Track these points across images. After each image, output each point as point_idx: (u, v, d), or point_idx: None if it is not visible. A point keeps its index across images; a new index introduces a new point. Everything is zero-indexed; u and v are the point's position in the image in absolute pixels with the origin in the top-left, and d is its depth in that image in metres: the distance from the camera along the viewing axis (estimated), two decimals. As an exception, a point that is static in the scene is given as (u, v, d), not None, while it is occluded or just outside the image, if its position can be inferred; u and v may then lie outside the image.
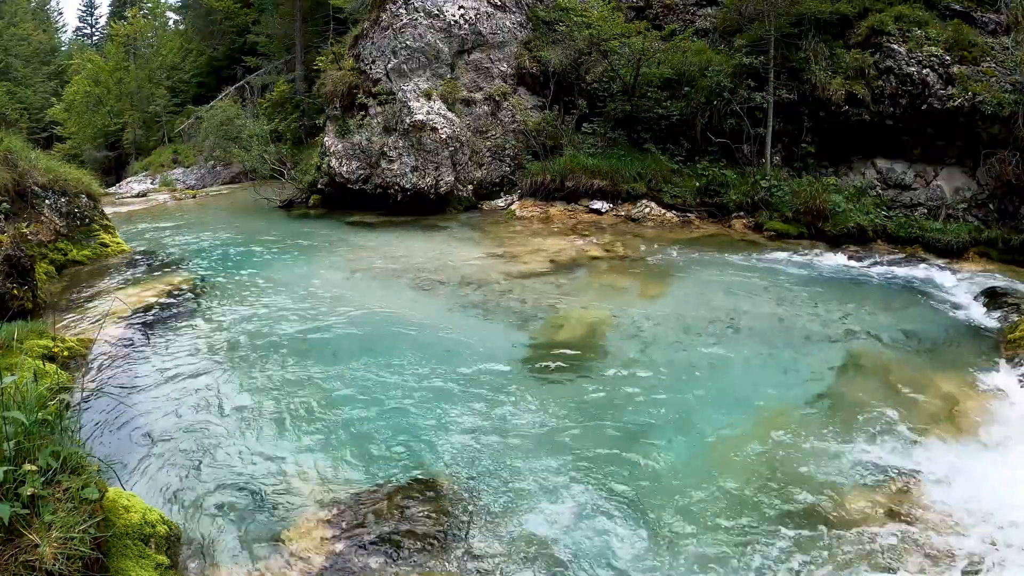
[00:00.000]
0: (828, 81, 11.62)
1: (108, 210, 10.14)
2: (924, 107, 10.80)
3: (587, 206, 12.26)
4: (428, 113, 12.87)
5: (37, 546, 2.45)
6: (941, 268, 9.16)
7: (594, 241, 10.35)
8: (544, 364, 5.81)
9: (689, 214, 11.89)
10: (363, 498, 3.86)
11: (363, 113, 13.81)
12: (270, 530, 3.60)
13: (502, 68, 14.16)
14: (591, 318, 6.88)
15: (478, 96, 13.86)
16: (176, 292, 7.25)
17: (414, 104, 12.90)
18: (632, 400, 5.15)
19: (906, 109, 10.99)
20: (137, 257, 8.86)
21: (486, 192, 13.46)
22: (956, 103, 10.51)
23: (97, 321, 6.10)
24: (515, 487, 4.04)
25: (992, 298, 7.57)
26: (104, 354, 5.54)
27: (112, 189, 21.73)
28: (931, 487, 4.13)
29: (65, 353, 5.28)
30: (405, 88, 13.31)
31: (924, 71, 10.86)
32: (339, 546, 3.48)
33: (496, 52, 14.14)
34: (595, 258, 9.44)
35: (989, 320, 7.10)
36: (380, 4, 14.25)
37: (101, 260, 8.43)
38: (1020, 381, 5.50)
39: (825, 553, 3.59)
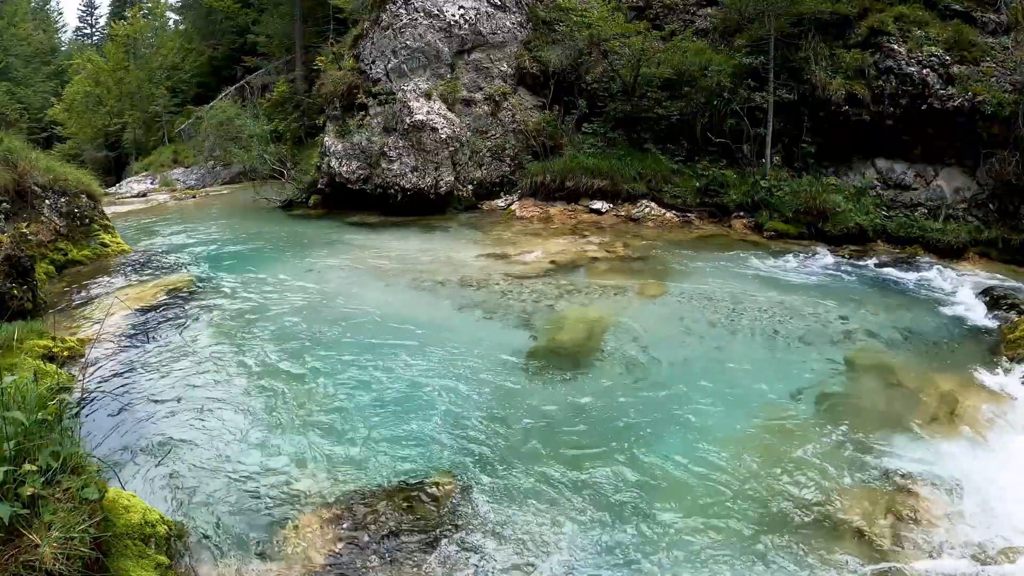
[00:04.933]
0: (828, 81, 11.62)
1: (108, 210, 10.14)
2: (924, 107, 10.80)
3: (587, 206, 12.26)
4: (428, 113, 12.87)
5: (37, 546, 2.45)
6: (941, 268, 9.15)
7: (594, 241, 10.34)
8: (544, 364, 5.81)
9: (689, 214, 11.89)
10: (363, 497, 3.86)
11: (363, 113, 13.81)
12: (270, 529, 3.60)
13: (502, 68, 14.15)
14: (591, 318, 6.88)
15: (478, 96, 13.86)
16: (176, 292, 7.25)
17: (414, 104, 12.90)
18: (632, 400, 5.15)
19: (906, 109, 10.99)
20: (137, 257, 8.86)
21: (486, 192, 13.46)
22: (956, 103, 10.52)
23: (97, 321, 6.10)
24: (515, 487, 4.04)
25: (992, 298, 7.57)
26: (104, 354, 5.54)
27: (112, 189, 21.72)
28: (931, 487, 4.13)
29: (65, 353, 5.28)
30: (405, 88, 13.30)
31: (924, 71, 10.86)
32: (339, 545, 3.48)
33: (496, 52, 14.14)
34: (595, 258, 9.44)
35: (989, 320, 7.10)
36: (380, 4, 14.25)
37: (101, 260, 8.43)
38: (1020, 381, 5.50)
39: (826, 554, 3.59)
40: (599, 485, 4.09)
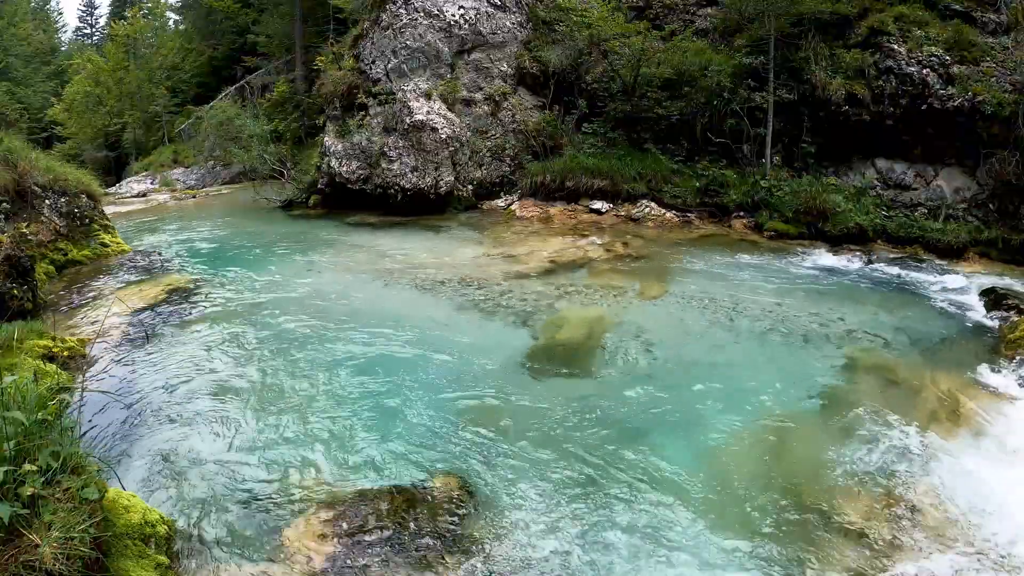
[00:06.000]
0: (828, 81, 11.62)
1: (108, 210, 10.13)
2: (924, 107, 10.80)
3: (587, 206, 12.26)
4: (428, 113, 12.87)
5: (37, 546, 2.45)
6: (941, 268, 9.15)
7: (594, 241, 10.34)
8: (544, 364, 5.81)
9: (689, 214, 11.89)
10: (363, 498, 3.85)
11: (363, 113, 13.81)
12: (270, 530, 3.60)
13: (502, 68, 14.15)
14: (591, 318, 6.88)
15: (478, 96, 13.86)
16: (176, 292, 7.25)
17: (414, 104, 12.90)
18: (632, 400, 5.15)
19: (906, 109, 10.99)
20: (137, 257, 8.85)
21: (486, 192, 13.46)
22: (956, 103, 10.52)
23: (97, 321, 6.10)
24: (516, 487, 4.04)
25: (992, 298, 7.57)
26: (104, 354, 5.54)
27: (112, 189, 21.73)
28: (931, 487, 4.13)
29: (65, 353, 5.28)
30: (405, 88, 13.30)
31: (924, 71, 10.86)
32: (339, 546, 3.48)
33: (496, 52, 14.14)
34: (595, 258, 9.44)
35: (989, 320, 7.10)
36: (380, 4, 14.26)
37: (101, 260, 8.42)
38: (1020, 381, 5.50)
39: (824, 553, 3.59)
40: (599, 484, 4.09)
